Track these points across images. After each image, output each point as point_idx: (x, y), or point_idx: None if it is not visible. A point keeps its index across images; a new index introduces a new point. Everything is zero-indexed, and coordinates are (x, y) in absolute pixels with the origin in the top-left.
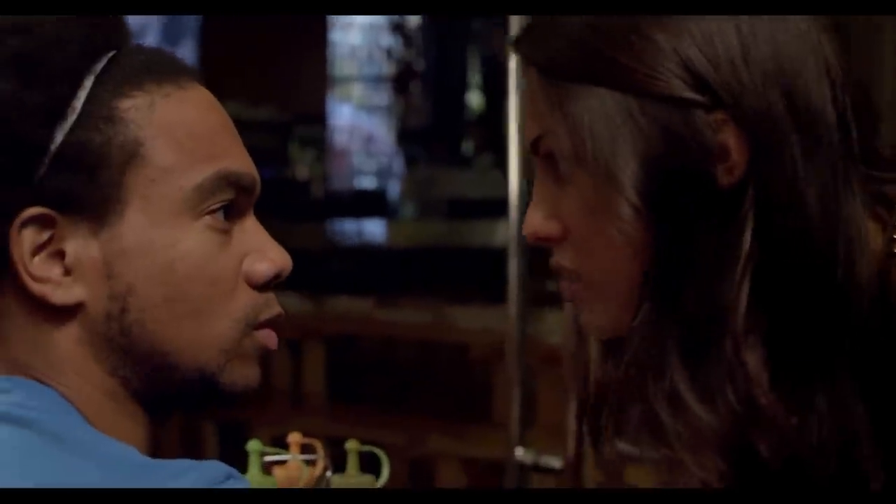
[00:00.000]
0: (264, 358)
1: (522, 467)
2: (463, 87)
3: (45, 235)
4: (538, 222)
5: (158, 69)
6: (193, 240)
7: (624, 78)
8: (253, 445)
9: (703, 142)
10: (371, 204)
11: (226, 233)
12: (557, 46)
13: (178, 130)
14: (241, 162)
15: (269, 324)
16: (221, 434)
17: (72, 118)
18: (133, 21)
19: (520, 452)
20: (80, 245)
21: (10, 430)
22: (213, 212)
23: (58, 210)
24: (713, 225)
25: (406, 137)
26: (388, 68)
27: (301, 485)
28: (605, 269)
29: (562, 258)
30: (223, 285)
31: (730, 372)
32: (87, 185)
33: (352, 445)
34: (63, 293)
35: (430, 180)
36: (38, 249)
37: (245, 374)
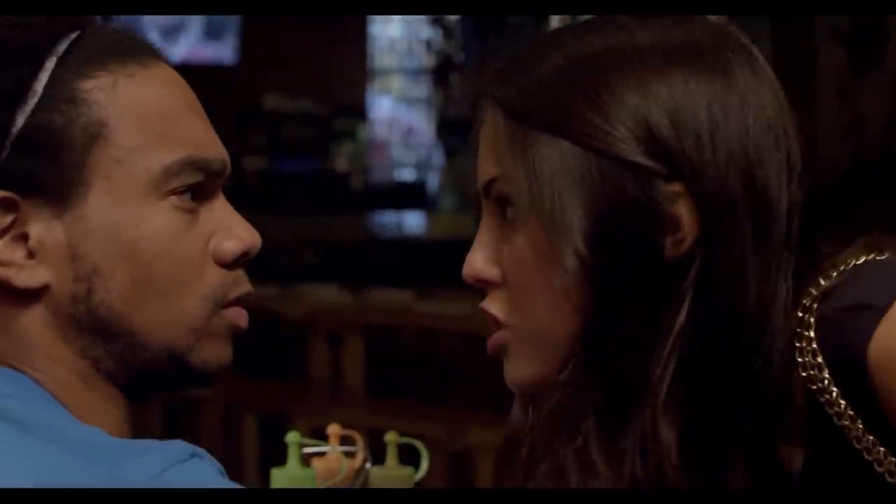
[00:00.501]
0: (236, 336)
1: None
2: None
3: (8, 219)
4: (480, 265)
5: (122, 49)
6: (159, 219)
7: (587, 135)
8: (292, 437)
9: (656, 210)
10: (411, 196)
11: (192, 212)
12: (529, 91)
13: (144, 110)
14: (210, 146)
15: (239, 302)
16: (261, 425)
17: (33, 101)
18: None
19: None
20: (43, 227)
21: None
22: (180, 193)
23: (20, 193)
24: (651, 295)
25: (446, 129)
26: (427, 61)
27: (341, 477)
28: (538, 323)
29: (492, 306)
30: (190, 264)
31: (643, 443)
32: (50, 168)
33: (391, 437)
34: (27, 276)
35: (470, 172)
36: (1, 233)
37: (216, 353)
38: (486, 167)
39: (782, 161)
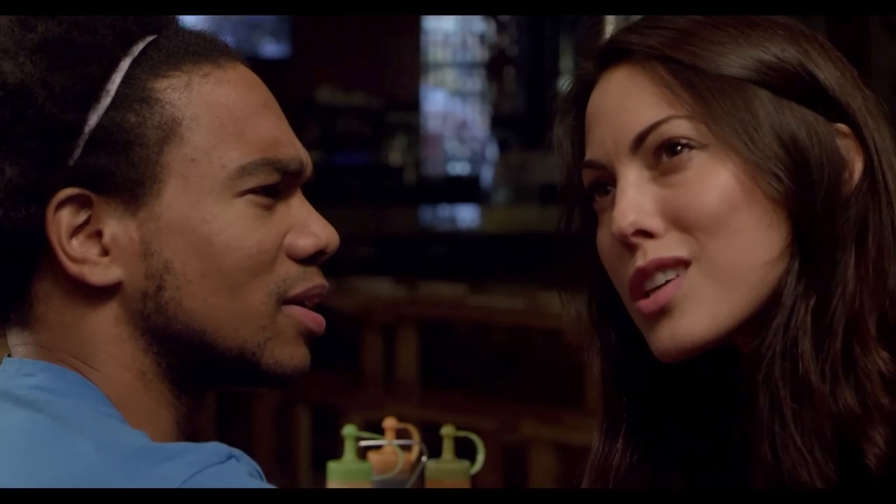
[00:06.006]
0: (311, 338)
1: None
2: (556, 72)
3: (83, 216)
4: (637, 216)
5: (196, 50)
6: (233, 214)
7: (765, 74)
8: (348, 430)
9: (834, 145)
10: (464, 189)
11: (268, 209)
12: (686, 39)
13: (218, 110)
14: (287, 147)
15: (305, 297)
16: (314, 418)
17: (106, 100)
18: None
19: None
20: (117, 225)
21: (24, 413)
22: (256, 192)
23: (94, 191)
24: (838, 228)
25: (499, 123)
26: (481, 54)
27: (397, 470)
28: (732, 254)
29: (670, 249)
30: (262, 258)
31: (853, 373)
32: (123, 166)
33: (448, 431)
34: (101, 273)
35: (523, 166)
36: (75, 230)
37: (289, 355)
38: (648, 112)
39: None
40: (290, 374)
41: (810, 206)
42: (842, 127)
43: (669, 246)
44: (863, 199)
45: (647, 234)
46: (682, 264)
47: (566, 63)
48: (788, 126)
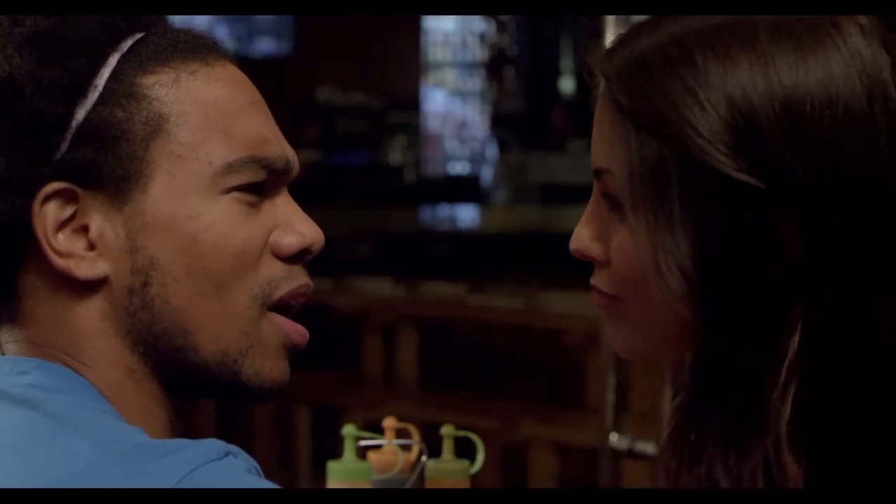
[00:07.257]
0: (292, 352)
1: (616, 453)
2: (556, 72)
3: (69, 211)
4: (586, 242)
5: (184, 47)
6: (218, 212)
7: (691, 144)
8: (348, 430)
9: (761, 232)
10: (464, 189)
11: (254, 206)
12: (631, 74)
13: (205, 107)
14: (273, 144)
15: (291, 298)
16: (314, 418)
17: (94, 95)
18: None
19: (614, 438)
20: (103, 220)
21: (20, 412)
22: (242, 189)
23: (80, 185)
24: (761, 318)
25: (499, 123)
26: (481, 54)
27: (397, 469)
28: (648, 308)
29: (601, 282)
30: (246, 258)
31: (768, 471)
32: (110, 161)
33: (447, 430)
34: (87, 267)
35: (523, 165)
36: (61, 225)
37: (269, 366)
38: (597, 154)
39: None
40: (269, 387)
41: (714, 301)
42: (783, 207)
43: (607, 281)
44: (797, 286)
45: (592, 259)
46: (616, 300)
47: (566, 63)
48: (702, 213)
